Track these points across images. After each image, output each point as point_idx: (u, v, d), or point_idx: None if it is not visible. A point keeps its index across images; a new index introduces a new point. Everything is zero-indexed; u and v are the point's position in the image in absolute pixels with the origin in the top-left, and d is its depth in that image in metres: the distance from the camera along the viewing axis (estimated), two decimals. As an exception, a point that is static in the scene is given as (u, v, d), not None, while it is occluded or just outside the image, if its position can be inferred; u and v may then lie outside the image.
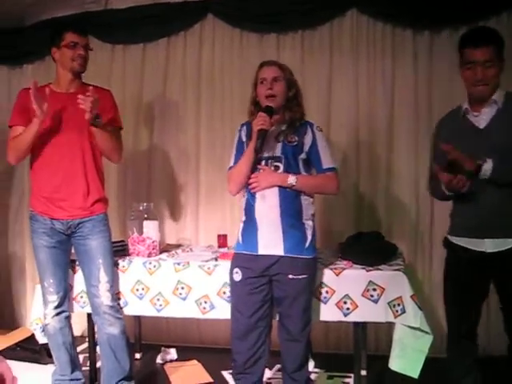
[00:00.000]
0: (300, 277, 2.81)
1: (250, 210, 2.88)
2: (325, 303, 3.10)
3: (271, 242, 2.81)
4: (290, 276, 2.80)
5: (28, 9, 4.50)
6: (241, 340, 2.89)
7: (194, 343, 4.36)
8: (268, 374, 3.55)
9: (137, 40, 4.39)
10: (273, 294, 2.89)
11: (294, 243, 2.82)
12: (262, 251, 2.83)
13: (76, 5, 4.40)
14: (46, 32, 4.27)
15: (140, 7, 4.30)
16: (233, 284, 2.94)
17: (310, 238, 2.86)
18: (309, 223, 2.88)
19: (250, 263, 2.85)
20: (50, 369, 3.54)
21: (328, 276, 3.10)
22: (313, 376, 3.53)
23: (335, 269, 3.12)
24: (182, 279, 3.28)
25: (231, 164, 2.97)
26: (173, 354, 4.10)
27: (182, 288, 3.27)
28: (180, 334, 4.37)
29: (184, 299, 3.27)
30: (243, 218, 2.93)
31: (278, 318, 2.96)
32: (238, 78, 4.20)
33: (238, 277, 2.88)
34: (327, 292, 3.09)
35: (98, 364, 3.54)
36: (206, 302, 3.24)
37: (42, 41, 4.32)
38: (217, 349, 4.22)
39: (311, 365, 3.00)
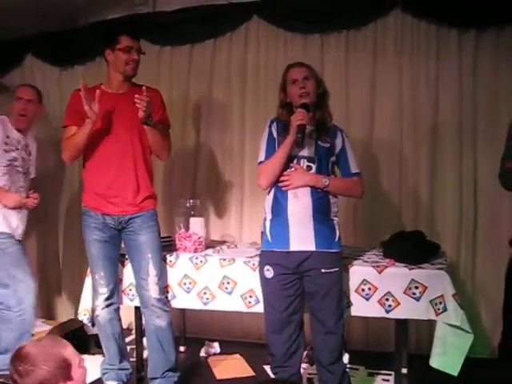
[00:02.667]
0: (332, 270, 2.91)
1: (279, 207, 2.95)
2: (367, 300, 3.16)
3: (303, 238, 2.90)
4: (323, 270, 2.89)
5: (79, 11, 4.62)
6: (277, 334, 2.97)
7: (237, 337, 4.44)
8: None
9: (184, 41, 4.49)
10: (304, 288, 2.96)
11: (325, 238, 2.91)
12: (293, 247, 2.90)
13: (125, 7, 4.51)
14: (96, 34, 4.48)
15: (187, 9, 4.38)
16: (264, 281, 3.01)
17: (337, 233, 2.97)
18: (335, 219, 2.99)
19: (281, 260, 2.92)
20: (98, 358, 3.69)
21: (370, 273, 3.16)
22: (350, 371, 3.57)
23: (378, 266, 3.17)
24: (228, 274, 3.37)
25: (262, 158, 3.03)
26: (216, 347, 4.20)
27: (228, 283, 3.36)
28: (223, 328, 4.45)
29: (230, 293, 3.36)
30: (269, 216, 3.01)
31: (309, 313, 3.02)
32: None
33: (269, 274, 2.96)
34: (370, 289, 3.15)
35: (145, 355, 3.66)
36: (251, 297, 3.33)
37: (93, 42, 4.50)
38: (259, 343, 4.27)
39: (346, 357, 3.04)
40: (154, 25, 4.45)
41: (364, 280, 3.15)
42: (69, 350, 1.98)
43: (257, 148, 4.29)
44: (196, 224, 3.61)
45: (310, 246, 2.89)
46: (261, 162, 3.03)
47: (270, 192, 3.03)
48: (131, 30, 3.31)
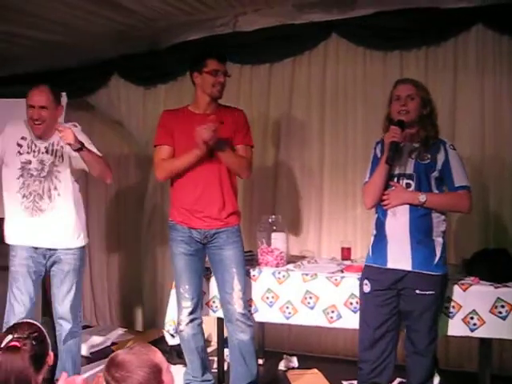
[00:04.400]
0: (427, 293, 2.87)
1: (380, 225, 2.98)
2: (451, 318, 3.14)
3: (400, 256, 2.89)
4: (417, 291, 2.87)
5: (161, 33, 4.80)
6: (368, 350, 2.98)
7: (314, 352, 4.45)
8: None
9: (263, 60, 4.57)
10: (400, 307, 2.95)
11: (423, 259, 2.87)
12: (390, 265, 2.91)
13: (206, 28, 4.63)
14: (178, 54, 4.66)
15: (266, 29, 4.45)
16: (362, 295, 3.05)
17: (438, 254, 2.90)
18: (439, 240, 2.91)
19: (378, 276, 2.95)
20: (178, 368, 3.79)
21: (454, 291, 3.14)
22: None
23: (462, 284, 3.15)
24: (310, 289, 3.42)
25: (366, 179, 3.07)
26: (294, 361, 4.23)
27: (310, 297, 3.41)
28: (301, 342, 4.47)
29: (312, 308, 3.41)
30: (374, 232, 3.04)
31: (405, 331, 3.02)
32: (361, 97, 4.30)
33: (367, 288, 2.99)
34: (453, 307, 3.13)
35: (225, 366, 3.75)
36: (333, 312, 3.36)
37: (176, 62, 4.69)
38: (337, 359, 4.30)
39: (436, 380, 3.03)
40: (234, 44, 4.53)
41: (448, 298, 3.12)
42: (159, 356, 2.07)
43: (336, 165, 4.40)
44: (278, 239, 3.68)
45: (406, 265, 2.88)
46: (365, 183, 3.07)
47: (376, 210, 3.05)
48: (218, 54, 3.41)
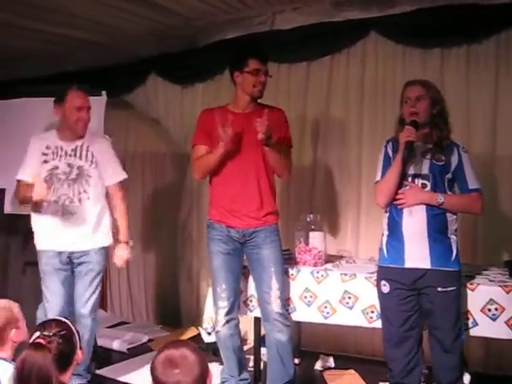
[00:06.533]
0: (449, 289, 2.89)
1: (394, 224, 2.99)
2: (493, 320, 3.07)
3: (418, 255, 2.91)
4: (439, 289, 2.88)
5: (199, 31, 4.82)
6: (396, 348, 3.00)
7: (350, 353, 4.43)
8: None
9: (301, 58, 4.55)
10: (421, 306, 2.96)
11: (440, 256, 2.90)
12: (408, 264, 2.93)
13: (244, 26, 4.63)
14: (216, 52, 4.67)
15: (304, 27, 4.43)
16: (381, 296, 3.07)
17: (454, 251, 2.94)
18: (453, 238, 2.96)
19: (396, 276, 2.96)
20: (214, 366, 3.78)
21: (497, 293, 3.08)
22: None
23: (505, 286, 3.09)
24: (349, 289, 3.40)
25: (378, 178, 3.10)
26: (331, 361, 4.22)
27: (349, 297, 3.39)
28: (337, 342, 4.45)
29: (351, 308, 3.39)
30: (386, 232, 3.06)
31: (427, 330, 3.01)
32: (400, 95, 4.22)
33: (386, 289, 3.01)
34: (496, 309, 3.07)
35: (261, 365, 3.75)
36: (372, 312, 3.33)
37: (213, 61, 4.71)
38: (373, 360, 4.26)
39: (467, 378, 2.99)
40: (271, 43, 4.50)
41: (491, 300, 3.07)
42: (206, 360, 2.05)
43: (374, 165, 4.32)
44: (316, 238, 3.67)
45: (425, 263, 2.90)
46: (377, 182, 3.10)
47: (387, 209, 3.06)
48: (260, 53, 3.41)
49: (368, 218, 4.37)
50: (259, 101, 3.47)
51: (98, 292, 3.63)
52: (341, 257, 4.06)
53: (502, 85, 4.01)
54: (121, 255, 3.69)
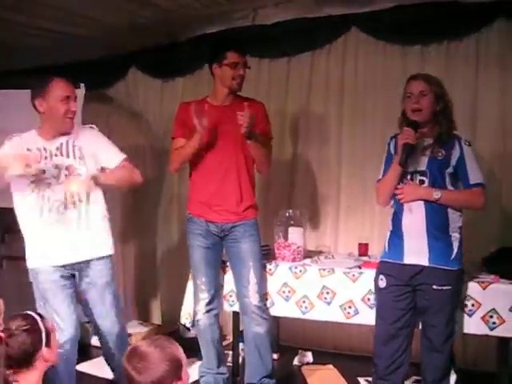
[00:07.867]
0: (444, 288, 2.86)
1: (397, 221, 2.98)
2: (470, 316, 3.10)
3: (416, 251, 2.89)
4: (435, 287, 2.86)
5: (180, 26, 4.78)
6: (383, 345, 2.97)
7: (328, 348, 4.44)
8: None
9: (282, 54, 4.54)
10: (416, 303, 2.94)
11: (439, 254, 2.87)
12: (407, 260, 2.91)
13: (225, 21, 4.61)
14: (197, 47, 4.65)
15: (285, 22, 4.43)
16: (377, 290, 3.05)
17: (455, 250, 2.89)
18: (455, 235, 2.91)
19: (394, 271, 2.95)
20: (192, 362, 3.76)
21: (474, 289, 3.10)
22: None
23: (482, 282, 3.11)
24: (327, 284, 3.40)
25: (379, 177, 3.08)
26: (309, 357, 4.23)
27: (327, 293, 3.40)
28: (315, 337, 4.45)
29: (329, 303, 3.39)
30: (390, 228, 3.04)
31: (420, 328, 3.01)
32: (380, 91, 4.24)
33: (382, 283, 2.99)
34: (473, 305, 3.09)
35: (240, 360, 3.76)
36: (350, 307, 3.34)
37: (194, 55, 4.69)
38: (351, 355, 4.28)
39: (453, 378, 3.00)
40: (252, 38, 4.49)
41: (467, 296, 3.09)
42: (181, 351, 2.06)
43: (354, 160, 4.36)
44: (295, 234, 3.67)
45: (423, 260, 2.88)
46: (379, 180, 3.08)
47: (393, 205, 3.05)
48: (238, 46, 3.40)
49: (347, 213, 4.39)
50: (238, 94, 3.46)
51: (116, 304, 3.23)
52: (320, 252, 4.06)
53: (482, 82, 4.02)
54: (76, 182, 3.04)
